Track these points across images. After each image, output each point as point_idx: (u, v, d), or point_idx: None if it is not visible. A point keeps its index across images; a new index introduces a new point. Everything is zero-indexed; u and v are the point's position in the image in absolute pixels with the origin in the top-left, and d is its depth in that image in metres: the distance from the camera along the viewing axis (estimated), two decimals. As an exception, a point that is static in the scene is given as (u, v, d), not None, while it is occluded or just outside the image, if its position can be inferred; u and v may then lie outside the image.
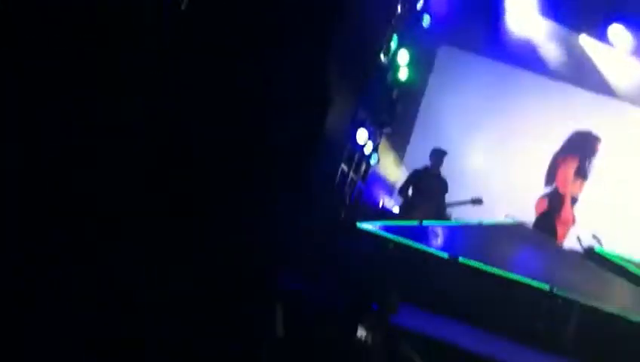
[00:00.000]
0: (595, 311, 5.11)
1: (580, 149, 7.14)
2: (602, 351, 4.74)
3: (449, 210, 8.04)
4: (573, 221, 7.31)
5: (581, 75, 9.24)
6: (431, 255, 5.67)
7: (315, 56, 6.35)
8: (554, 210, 7.41)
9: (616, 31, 9.12)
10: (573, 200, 7.23)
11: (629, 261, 6.13)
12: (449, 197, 7.96)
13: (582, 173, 7.05)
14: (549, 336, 4.89)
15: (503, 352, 4.24)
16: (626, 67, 9.09)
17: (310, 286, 4.67)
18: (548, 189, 7.46)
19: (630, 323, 4.84)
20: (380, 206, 8.43)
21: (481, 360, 3.98)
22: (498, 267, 5.56)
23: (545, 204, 7.55)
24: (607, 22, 9.09)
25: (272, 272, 4.17)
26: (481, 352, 4.04)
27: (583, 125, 8.55)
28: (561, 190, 7.20)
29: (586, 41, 9.36)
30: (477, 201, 7.77)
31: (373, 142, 8.04)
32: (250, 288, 3.72)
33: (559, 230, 7.24)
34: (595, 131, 7.39)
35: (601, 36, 9.24)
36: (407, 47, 8.14)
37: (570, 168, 7.04)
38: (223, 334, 3.29)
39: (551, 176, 7.19)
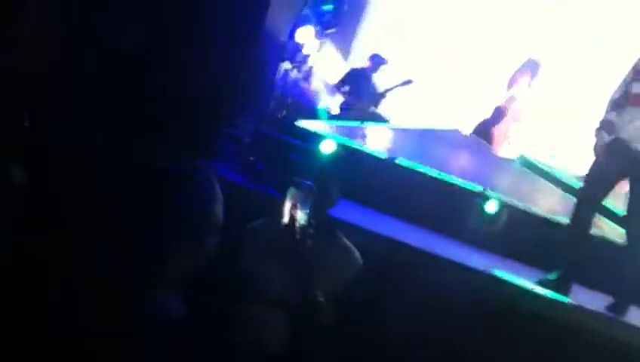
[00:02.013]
0: (524, 212, 5.31)
1: (530, 69, 7.89)
2: (527, 249, 4.93)
3: (385, 115, 8.11)
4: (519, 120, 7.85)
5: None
6: (369, 155, 5.71)
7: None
8: (502, 116, 7.76)
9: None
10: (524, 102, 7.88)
11: (554, 168, 6.40)
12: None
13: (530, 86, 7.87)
14: (479, 233, 5.04)
15: (436, 245, 4.37)
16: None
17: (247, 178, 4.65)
18: (505, 96, 7.85)
19: (557, 224, 5.05)
20: (321, 105, 8.41)
21: (417, 253, 4.09)
22: (434, 169, 5.67)
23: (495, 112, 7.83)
24: None
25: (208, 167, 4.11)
26: (416, 245, 4.16)
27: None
28: (517, 96, 7.88)
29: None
30: (407, 82, 7.91)
31: (318, 41, 7.91)
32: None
33: (508, 132, 7.68)
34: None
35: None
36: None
37: (525, 80, 7.78)
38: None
39: (511, 83, 7.97)
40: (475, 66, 8.80)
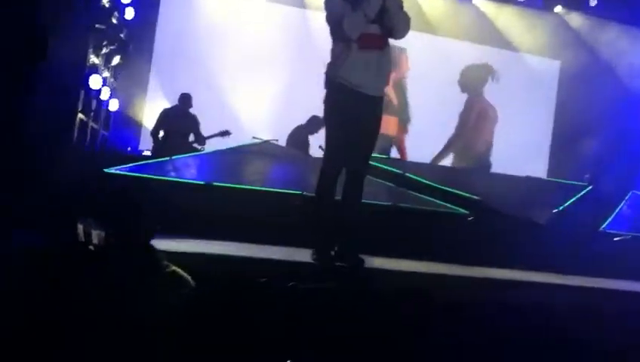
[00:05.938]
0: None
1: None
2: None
3: (201, 147, 8.13)
4: None
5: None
6: (186, 184, 5.69)
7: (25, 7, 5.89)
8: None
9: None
10: None
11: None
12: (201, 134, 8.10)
13: None
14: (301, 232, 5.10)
15: (270, 254, 4.44)
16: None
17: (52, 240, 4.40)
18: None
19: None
20: (129, 150, 8.24)
21: (249, 262, 4.12)
22: (252, 184, 5.76)
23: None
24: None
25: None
26: (249, 256, 4.20)
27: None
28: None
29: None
30: (225, 133, 8.07)
31: (110, 86, 7.77)
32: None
33: None
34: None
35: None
36: (129, -15, 7.92)
37: None
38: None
39: None
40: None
